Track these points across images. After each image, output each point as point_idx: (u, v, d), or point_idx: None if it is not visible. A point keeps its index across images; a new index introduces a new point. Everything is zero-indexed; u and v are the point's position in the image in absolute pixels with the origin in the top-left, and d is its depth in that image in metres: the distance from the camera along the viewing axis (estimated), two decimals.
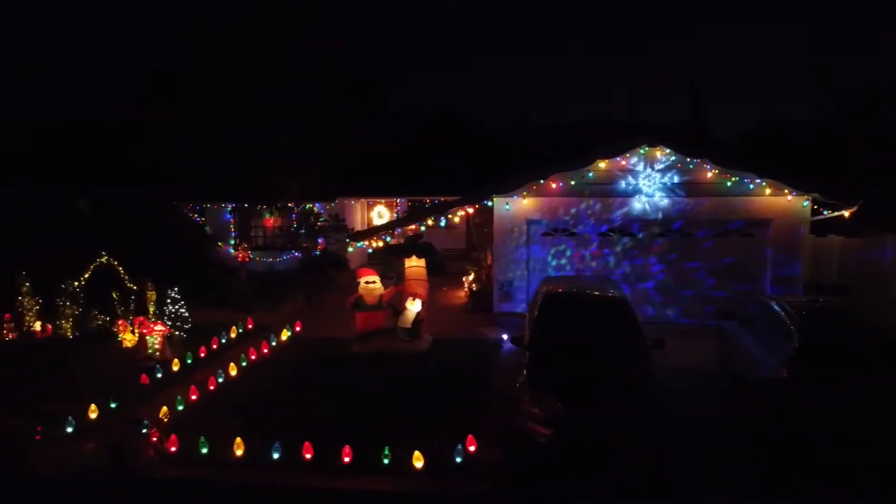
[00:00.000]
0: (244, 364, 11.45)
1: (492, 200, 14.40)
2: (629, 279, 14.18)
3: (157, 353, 12.17)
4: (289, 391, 10.43)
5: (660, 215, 14.03)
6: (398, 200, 21.62)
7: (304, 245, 20.21)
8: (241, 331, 13.66)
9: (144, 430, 8.50)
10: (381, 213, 22.40)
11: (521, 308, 14.65)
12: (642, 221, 14.16)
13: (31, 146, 25.23)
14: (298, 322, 13.81)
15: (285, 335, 13.18)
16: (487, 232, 17.89)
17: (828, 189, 13.39)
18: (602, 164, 13.91)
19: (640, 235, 14.26)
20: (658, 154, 13.83)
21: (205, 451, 8.02)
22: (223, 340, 12.90)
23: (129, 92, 24.77)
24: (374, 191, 20.90)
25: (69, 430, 8.71)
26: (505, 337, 13.18)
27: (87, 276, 14.09)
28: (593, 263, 14.45)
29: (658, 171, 13.89)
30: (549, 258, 14.57)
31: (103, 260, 14.12)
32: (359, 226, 21.34)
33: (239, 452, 7.97)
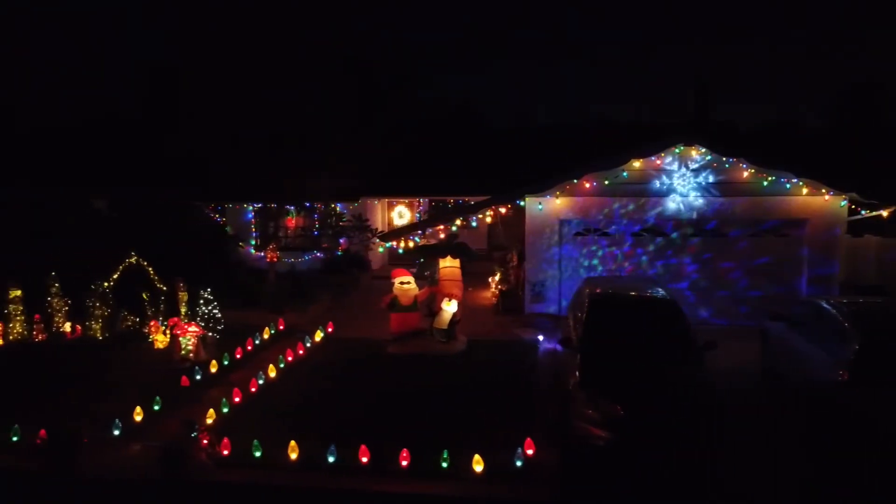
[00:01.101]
0: (282, 365, 11.32)
1: (524, 200, 14.27)
2: (662, 279, 13.99)
3: (191, 355, 12.05)
4: (331, 393, 10.31)
5: (694, 215, 13.91)
6: (420, 200, 21.48)
7: (324, 245, 20.10)
8: (273, 332, 13.53)
9: (193, 434, 8.38)
10: (401, 213, 22.26)
11: (552, 309, 14.55)
12: (676, 221, 14.03)
13: (48, 146, 25.16)
14: (331, 323, 13.67)
15: (319, 336, 13.04)
16: (514, 232, 17.79)
17: (865, 188, 13.26)
18: (636, 164, 13.78)
19: (674, 235, 14.13)
20: (693, 153, 13.71)
21: (258, 454, 7.89)
22: (257, 342, 12.77)
23: (149, 92, 24.77)
24: (399, 190, 20.72)
25: (116, 432, 8.59)
26: (541, 338, 13.08)
27: (116, 276, 13.97)
28: (626, 264, 14.33)
29: (693, 170, 13.76)
30: (582, 258, 14.45)
31: (132, 260, 14.00)
32: (379, 226, 21.20)
33: (294, 456, 7.84)
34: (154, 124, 23.62)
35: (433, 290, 12.99)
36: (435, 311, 12.52)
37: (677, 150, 13.70)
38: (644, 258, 14.25)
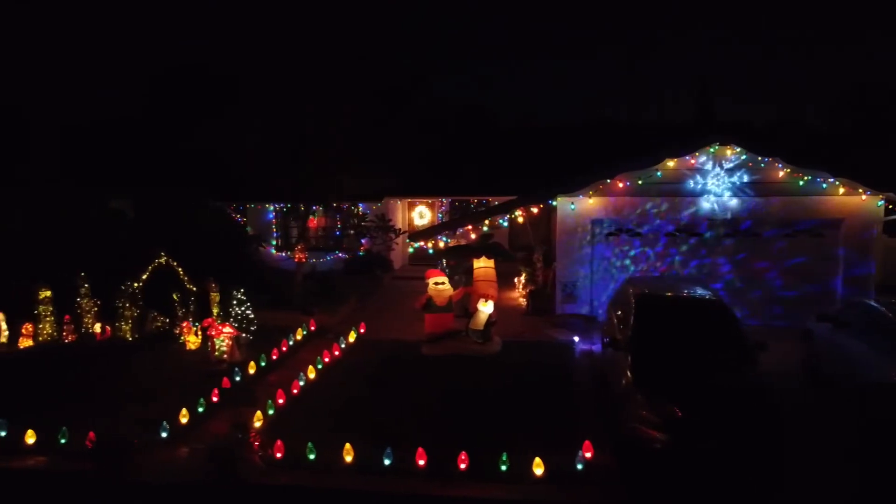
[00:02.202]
0: (319, 367, 11.21)
1: (556, 200, 14.16)
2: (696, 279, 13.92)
3: (225, 356, 11.95)
4: (372, 394, 10.19)
5: (728, 215, 13.80)
6: (443, 200, 21.37)
7: (345, 246, 20.01)
8: (305, 332, 13.42)
9: (241, 436, 8.27)
10: (422, 214, 22.15)
11: (584, 309, 14.44)
12: (710, 221, 13.92)
13: (67, 146, 25.07)
14: (363, 324, 13.56)
15: (353, 337, 12.94)
16: (538, 232, 17.70)
17: None
18: (671, 164, 13.68)
19: (708, 235, 14.02)
20: (728, 153, 13.60)
21: (312, 456, 7.78)
22: (291, 342, 12.67)
23: (165, 93, 24.66)
24: (422, 191, 20.61)
25: (164, 434, 8.49)
26: (577, 339, 12.98)
27: (145, 276, 13.86)
28: (659, 264, 14.22)
29: (727, 169, 13.65)
30: (614, 259, 14.34)
31: (162, 260, 13.89)
32: (400, 226, 21.09)
33: (349, 458, 7.73)
34: (172, 125, 23.51)
35: (467, 290, 12.88)
36: (471, 311, 12.40)
37: (712, 150, 13.59)
38: (677, 258, 14.14)
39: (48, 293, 13.41)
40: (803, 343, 11.06)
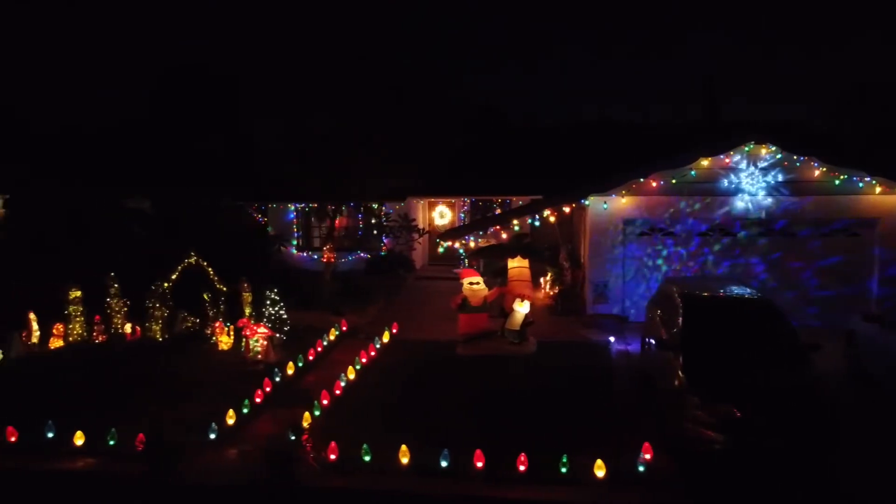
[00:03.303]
0: (357, 367, 11.11)
1: (587, 199, 14.05)
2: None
3: (259, 356, 11.86)
4: (414, 395, 10.11)
5: (762, 214, 13.69)
6: (465, 200, 21.26)
7: (367, 245, 19.92)
8: (338, 333, 13.32)
9: (293, 437, 8.18)
10: (442, 213, 22.03)
11: (616, 309, 14.33)
12: (744, 220, 13.81)
13: (86, 146, 25.00)
14: (395, 324, 13.46)
15: (387, 337, 12.83)
16: (564, 231, 17.59)
17: None
18: (705, 162, 13.57)
19: (742, 235, 13.91)
20: (763, 151, 13.48)
21: (367, 458, 7.68)
22: (325, 343, 12.57)
23: (184, 94, 24.59)
24: (447, 190, 20.48)
25: (212, 436, 8.39)
26: (612, 339, 12.87)
27: (174, 276, 13.76)
28: (691, 263, 14.11)
29: (762, 168, 13.54)
30: (647, 258, 14.22)
31: (191, 260, 13.79)
32: (421, 226, 20.97)
33: (405, 460, 7.63)
34: (189, 125, 23.45)
35: (502, 290, 12.77)
36: (507, 311, 12.30)
37: (747, 149, 13.48)
38: (710, 258, 14.03)
39: (78, 293, 13.31)
40: (846, 343, 10.94)
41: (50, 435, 8.29)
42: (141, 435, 8.03)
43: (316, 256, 20.74)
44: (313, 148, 17.82)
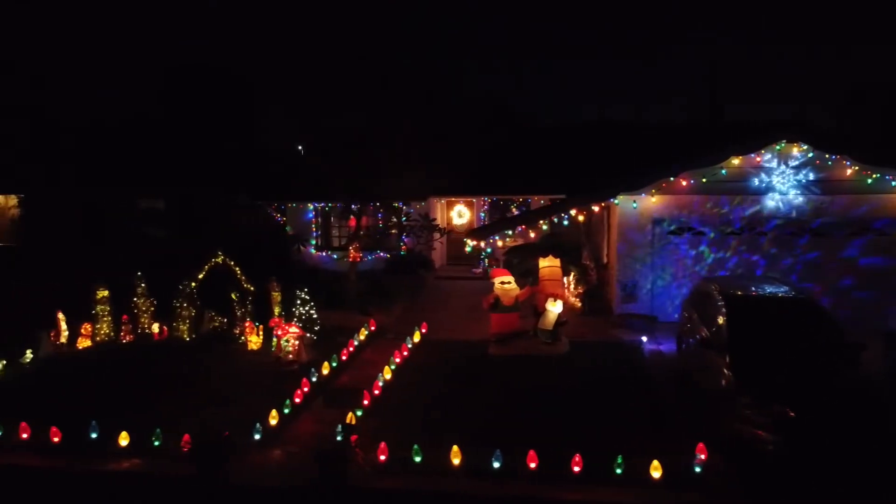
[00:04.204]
0: (392, 367, 11.02)
1: (617, 198, 13.95)
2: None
3: (290, 356, 11.78)
4: (452, 395, 10.02)
5: (793, 213, 13.58)
6: (485, 199, 21.16)
7: (387, 245, 19.83)
8: (368, 332, 13.24)
9: (339, 437, 8.10)
10: (461, 213, 21.95)
11: (644, 309, 14.21)
12: (775, 219, 13.68)
13: (99, 145, 24.95)
14: (424, 324, 13.36)
15: (417, 337, 12.74)
16: (590, 230, 17.51)
17: None
18: (735, 161, 13.47)
19: (773, 234, 13.79)
20: (794, 150, 13.38)
21: (418, 459, 7.60)
22: (356, 342, 12.49)
23: (202, 94, 24.52)
24: (472, 189, 20.38)
25: (256, 436, 8.30)
26: (644, 339, 12.79)
27: (201, 276, 13.68)
28: (721, 262, 13.98)
29: (793, 167, 13.44)
30: (676, 257, 14.11)
31: (218, 260, 13.71)
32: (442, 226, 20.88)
33: (456, 461, 7.54)
34: (206, 125, 23.38)
35: (534, 290, 12.68)
36: (539, 311, 12.21)
37: (778, 147, 13.37)
38: (741, 257, 13.90)
39: (105, 293, 13.25)
40: (886, 344, 10.85)
41: (94, 435, 8.22)
42: (186, 436, 7.96)
43: (336, 256, 20.66)
44: (334, 147, 17.72)
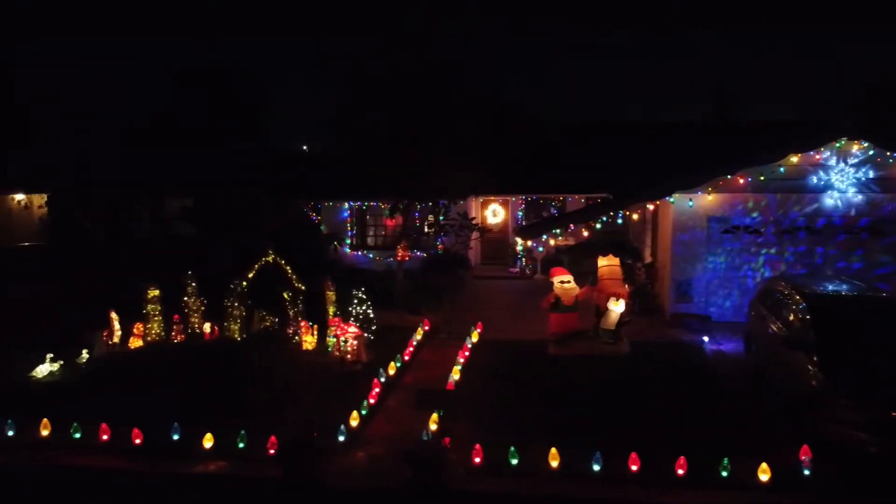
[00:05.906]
0: (458, 367, 10.85)
1: (672, 196, 13.77)
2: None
3: (349, 356, 11.61)
4: (523, 395, 9.83)
5: (852, 212, 13.40)
6: (522, 198, 20.99)
7: (422, 244, 19.65)
8: (423, 332, 13.08)
9: (426, 438, 7.94)
10: (495, 212, 21.78)
11: (699, 309, 14.04)
12: (832, 218, 13.52)
13: (123, 145, 24.84)
14: (479, 324, 13.19)
15: (476, 337, 12.57)
16: (639, 228, 17.36)
17: None
18: (794, 159, 13.29)
19: (830, 233, 13.60)
20: (854, 148, 13.20)
21: (515, 461, 7.42)
22: (414, 342, 12.33)
23: (231, 94, 24.39)
24: (516, 188, 20.17)
25: (341, 438, 8.14)
26: (706, 339, 12.62)
27: (251, 275, 13.51)
28: (778, 261, 13.80)
29: (852, 165, 13.26)
30: (732, 256, 13.93)
31: (269, 259, 13.55)
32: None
33: (554, 463, 7.37)
34: (237, 124, 23.26)
35: (594, 289, 12.49)
36: (602, 310, 12.03)
37: (837, 145, 13.19)
38: (798, 255, 13.72)
39: (157, 292, 13.09)
40: None
41: (175, 437, 8.06)
42: (273, 437, 7.80)
43: (371, 255, 20.49)
44: (372, 145, 17.52)
